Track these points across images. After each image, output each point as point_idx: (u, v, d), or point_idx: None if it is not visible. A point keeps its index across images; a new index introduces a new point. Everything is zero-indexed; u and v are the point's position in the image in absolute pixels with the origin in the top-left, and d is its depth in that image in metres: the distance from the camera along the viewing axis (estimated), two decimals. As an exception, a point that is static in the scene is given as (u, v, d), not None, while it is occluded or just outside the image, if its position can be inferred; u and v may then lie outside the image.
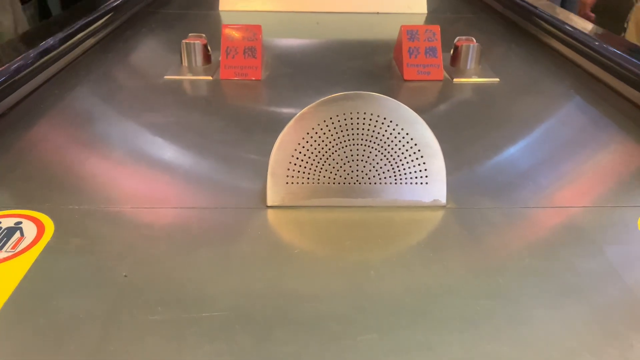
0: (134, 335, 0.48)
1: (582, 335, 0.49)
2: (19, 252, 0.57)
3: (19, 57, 0.97)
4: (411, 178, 0.67)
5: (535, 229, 0.66)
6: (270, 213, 0.67)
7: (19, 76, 0.95)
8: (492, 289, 0.55)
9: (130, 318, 0.50)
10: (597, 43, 1.15)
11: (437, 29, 1.13)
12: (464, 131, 0.92)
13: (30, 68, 0.99)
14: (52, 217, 0.63)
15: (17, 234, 0.60)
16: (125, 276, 0.55)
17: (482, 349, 0.47)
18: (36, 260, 0.56)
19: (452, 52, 1.18)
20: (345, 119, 0.65)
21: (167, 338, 0.47)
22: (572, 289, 0.55)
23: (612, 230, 0.66)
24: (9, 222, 0.62)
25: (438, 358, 0.46)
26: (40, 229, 0.61)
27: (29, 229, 0.61)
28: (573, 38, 1.23)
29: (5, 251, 0.57)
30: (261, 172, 0.68)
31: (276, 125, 0.67)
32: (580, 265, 0.59)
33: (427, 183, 0.67)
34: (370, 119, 0.65)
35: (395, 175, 0.67)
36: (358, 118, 0.65)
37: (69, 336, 0.47)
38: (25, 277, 0.54)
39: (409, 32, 1.13)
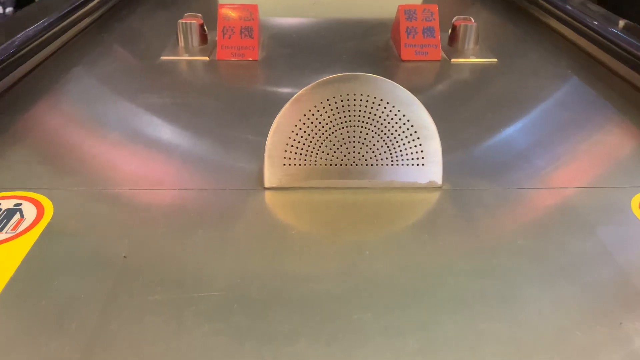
0: (134, 315, 0.49)
1: (573, 314, 0.50)
2: (19, 233, 0.58)
3: (13, 39, 0.96)
4: (407, 159, 0.68)
5: (529, 210, 0.67)
6: (267, 194, 0.67)
7: (14, 58, 0.94)
8: (485, 269, 0.56)
9: (129, 298, 0.51)
10: (596, 23, 1.14)
11: (435, 8, 1.12)
12: (461, 112, 0.92)
13: (25, 49, 0.98)
14: (51, 198, 0.64)
15: (17, 215, 0.61)
16: (124, 257, 0.55)
17: (475, 328, 0.48)
18: (36, 242, 0.57)
19: (450, 32, 1.17)
20: (342, 101, 0.65)
21: (166, 318, 0.48)
22: (564, 269, 0.56)
23: (606, 211, 0.66)
24: (8, 204, 0.63)
25: (432, 337, 0.47)
26: (40, 210, 0.62)
27: (29, 211, 0.61)
28: (572, 18, 1.22)
29: (6, 232, 0.58)
30: (258, 154, 0.68)
31: (273, 106, 0.67)
32: (573, 245, 0.59)
33: (423, 164, 0.68)
34: (367, 101, 0.65)
35: (391, 157, 0.68)
36: (354, 100, 0.65)
37: (69, 316, 0.48)
38: (26, 258, 0.55)
39: (407, 12, 1.12)
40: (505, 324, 0.49)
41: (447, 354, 0.46)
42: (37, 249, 0.56)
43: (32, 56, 1.01)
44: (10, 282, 0.52)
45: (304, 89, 0.64)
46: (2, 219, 0.60)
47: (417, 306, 0.51)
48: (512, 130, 0.87)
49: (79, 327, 0.47)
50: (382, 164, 0.68)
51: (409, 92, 0.65)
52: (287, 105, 0.65)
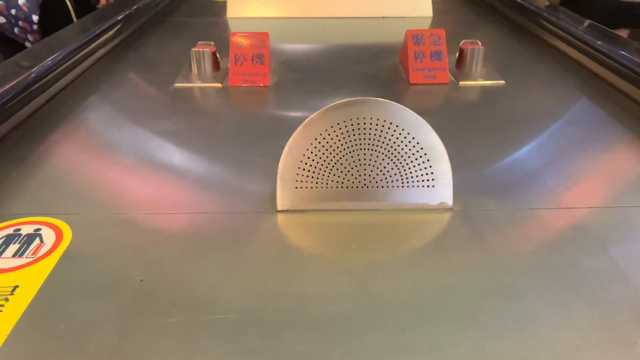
0: (150, 338, 0.50)
1: (587, 333, 0.50)
2: (39, 257, 0.59)
3: (32, 69, 1.00)
4: (417, 181, 0.69)
5: (540, 230, 0.67)
6: (280, 217, 0.68)
7: (32, 88, 0.97)
8: (497, 288, 0.56)
9: (145, 321, 0.51)
10: (601, 44, 1.15)
11: (442, 33, 1.14)
12: (470, 133, 0.93)
13: (44, 80, 1.01)
14: (69, 223, 0.65)
15: (37, 240, 0.62)
16: (141, 280, 0.56)
17: (488, 347, 0.49)
18: (56, 266, 0.58)
19: (457, 55, 1.19)
20: (352, 124, 0.66)
21: (181, 340, 0.49)
22: (577, 287, 0.56)
23: (618, 230, 0.66)
24: (28, 229, 0.64)
25: (444, 356, 0.48)
26: (59, 235, 0.63)
27: (48, 235, 0.63)
28: (578, 39, 1.24)
29: (26, 257, 0.59)
30: (271, 177, 0.69)
31: (284, 130, 0.69)
32: (585, 264, 0.60)
33: (433, 186, 0.69)
34: (377, 124, 0.67)
35: (401, 179, 0.69)
36: (364, 123, 0.67)
37: (88, 339, 0.49)
38: (46, 282, 0.56)
39: (415, 37, 1.14)
40: (518, 343, 0.49)
41: (461, 374, 0.46)
42: (57, 273, 0.57)
43: (50, 86, 1.04)
44: (31, 305, 0.53)
45: (314, 113, 0.66)
46: (23, 244, 0.62)
47: (429, 326, 0.51)
48: (521, 151, 0.88)
49: (96, 349, 0.48)
50: (392, 186, 0.69)
51: (417, 115, 0.67)
52: (298, 130, 0.66)
